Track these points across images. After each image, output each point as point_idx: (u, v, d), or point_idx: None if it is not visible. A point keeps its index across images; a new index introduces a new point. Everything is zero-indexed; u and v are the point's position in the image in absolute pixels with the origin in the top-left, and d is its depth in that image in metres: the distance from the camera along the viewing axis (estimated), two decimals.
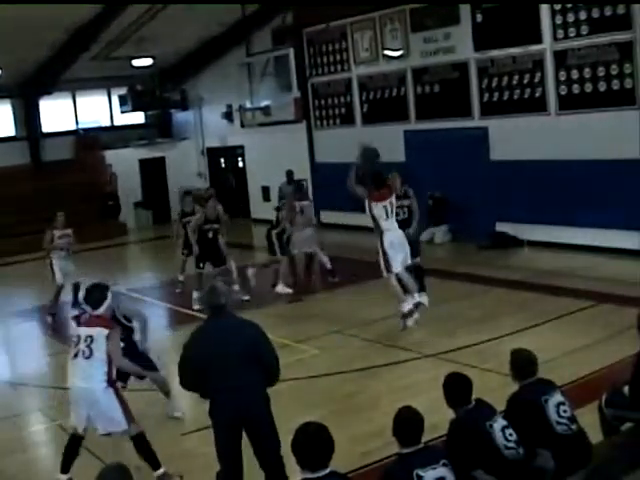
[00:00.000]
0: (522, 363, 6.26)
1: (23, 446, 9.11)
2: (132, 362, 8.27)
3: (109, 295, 8.05)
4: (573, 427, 5.99)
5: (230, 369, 6.43)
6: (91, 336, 7.67)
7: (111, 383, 7.71)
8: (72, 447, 7.79)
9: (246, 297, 14.69)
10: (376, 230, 11.82)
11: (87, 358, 7.63)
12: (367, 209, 11.83)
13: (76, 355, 7.68)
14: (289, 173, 19.28)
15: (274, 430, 6.62)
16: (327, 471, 4.98)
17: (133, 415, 7.72)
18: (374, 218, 11.76)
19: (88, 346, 7.64)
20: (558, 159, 16.36)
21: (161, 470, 7.72)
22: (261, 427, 6.53)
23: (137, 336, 9.24)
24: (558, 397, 6.08)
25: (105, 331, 7.75)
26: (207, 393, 6.64)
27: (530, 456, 5.82)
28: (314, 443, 5.00)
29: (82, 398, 7.65)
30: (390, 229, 11.75)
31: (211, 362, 6.46)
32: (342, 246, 18.70)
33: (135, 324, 9.21)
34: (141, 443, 7.71)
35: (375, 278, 12.76)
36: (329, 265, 15.81)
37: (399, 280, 11.84)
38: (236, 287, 14.61)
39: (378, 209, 11.70)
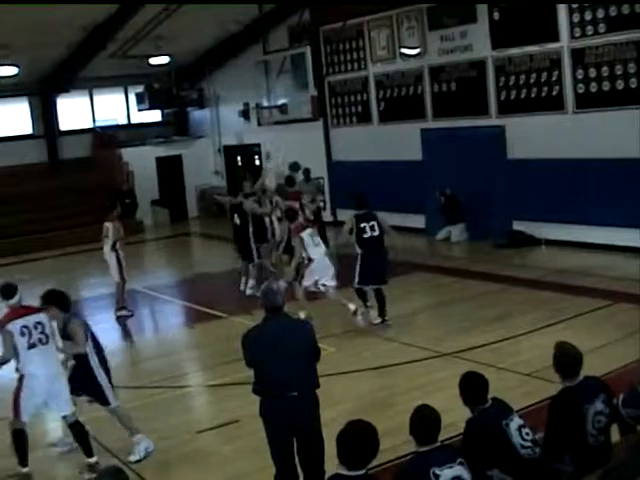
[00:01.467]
0: (565, 359, 6.05)
1: (40, 443, 9.14)
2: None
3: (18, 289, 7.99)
4: (601, 438, 5.90)
5: (288, 372, 6.37)
6: (40, 322, 7.76)
7: None
8: (22, 441, 7.83)
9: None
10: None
11: (45, 344, 7.73)
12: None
13: (33, 345, 7.66)
14: (306, 171, 19.29)
15: (321, 433, 6.56)
16: (361, 472, 4.97)
17: None
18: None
19: (42, 332, 7.73)
20: (576, 158, 16.27)
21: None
22: (311, 433, 6.50)
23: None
24: (598, 405, 5.89)
25: (46, 315, 7.89)
26: (261, 393, 6.52)
27: (550, 458, 5.77)
28: (356, 442, 4.99)
29: (42, 385, 7.71)
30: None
31: (270, 363, 6.40)
32: None
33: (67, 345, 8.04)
34: (81, 429, 7.95)
35: (390, 277, 12.72)
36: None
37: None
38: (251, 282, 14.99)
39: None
